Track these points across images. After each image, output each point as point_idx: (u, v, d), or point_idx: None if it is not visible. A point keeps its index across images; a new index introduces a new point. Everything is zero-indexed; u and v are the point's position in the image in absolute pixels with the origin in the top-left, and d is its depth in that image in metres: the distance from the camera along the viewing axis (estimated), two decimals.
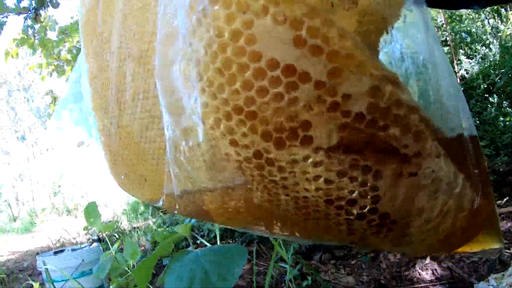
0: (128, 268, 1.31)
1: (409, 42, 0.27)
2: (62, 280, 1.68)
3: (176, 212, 0.38)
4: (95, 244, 2.10)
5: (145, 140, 0.38)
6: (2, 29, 3.02)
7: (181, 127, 0.31)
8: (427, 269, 1.69)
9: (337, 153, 0.25)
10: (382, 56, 0.26)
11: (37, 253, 3.50)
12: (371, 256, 1.91)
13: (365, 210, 0.27)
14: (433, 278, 1.62)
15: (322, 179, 0.26)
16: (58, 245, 3.64)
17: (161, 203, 0.40)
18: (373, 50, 0.27)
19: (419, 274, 1.65)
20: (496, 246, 0.31)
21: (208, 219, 0.37)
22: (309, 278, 1.73)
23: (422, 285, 1.59)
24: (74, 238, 3.67)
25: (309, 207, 0.29)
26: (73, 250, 1.94)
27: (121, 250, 1.51)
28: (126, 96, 0.37)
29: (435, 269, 1.68)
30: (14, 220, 5.99)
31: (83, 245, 2.09)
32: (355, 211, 0.27)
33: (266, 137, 0.25)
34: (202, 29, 0.24)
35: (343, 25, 0.23)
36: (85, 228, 3.36)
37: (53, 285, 1.44)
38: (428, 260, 1.72)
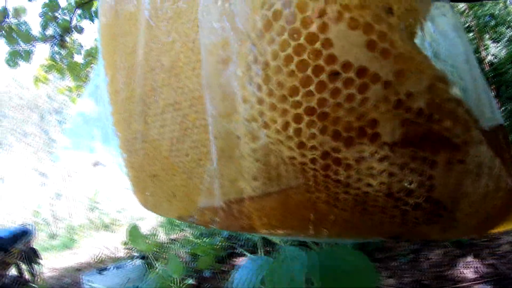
0: (172, 283, 1.31)
1: (449, 42, 0.30)
2: None
3: (212, 226, 0.38)
4: (138, 261, 2.12)
5: (176, 154, 0.36)
6: (30, 58, 3.01)
7: (234, 134, 0.31)
8: (469, 267, 1.65)
9: (399, 147, 0.27)
10: (431, 56, 0.28)
11: (77, 269, 3.57)
12: (411, 257, 1.88)
13: (420, 199, 0.29)
14: (476, 276, 1.59)
15: (386, 172, 0.27)
16: (98, 261, 3.70)
17: (195, 217, 0.39)
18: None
19: (462, 273, 1.62)
20: None
21: (249, 230, 0.36)
22: None
23: (466, 284, 1.56)
24: (113, 254, 3.72)
25: (367, 203, 0.30)
26: (117, 268, 1.90)
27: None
28: (154, 109, 0.36)
29: (478, 267, 1.64)
30: (53, 237, 6.14)
31: (126, 262, 2.12)
32: (412, 201, 0.29)
33: (336, 136, 0.26)
34: (273, 32, 0.25)
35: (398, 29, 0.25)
36: (124, 244, 3.44)
37: None
38: (470, 258, 1.68)
